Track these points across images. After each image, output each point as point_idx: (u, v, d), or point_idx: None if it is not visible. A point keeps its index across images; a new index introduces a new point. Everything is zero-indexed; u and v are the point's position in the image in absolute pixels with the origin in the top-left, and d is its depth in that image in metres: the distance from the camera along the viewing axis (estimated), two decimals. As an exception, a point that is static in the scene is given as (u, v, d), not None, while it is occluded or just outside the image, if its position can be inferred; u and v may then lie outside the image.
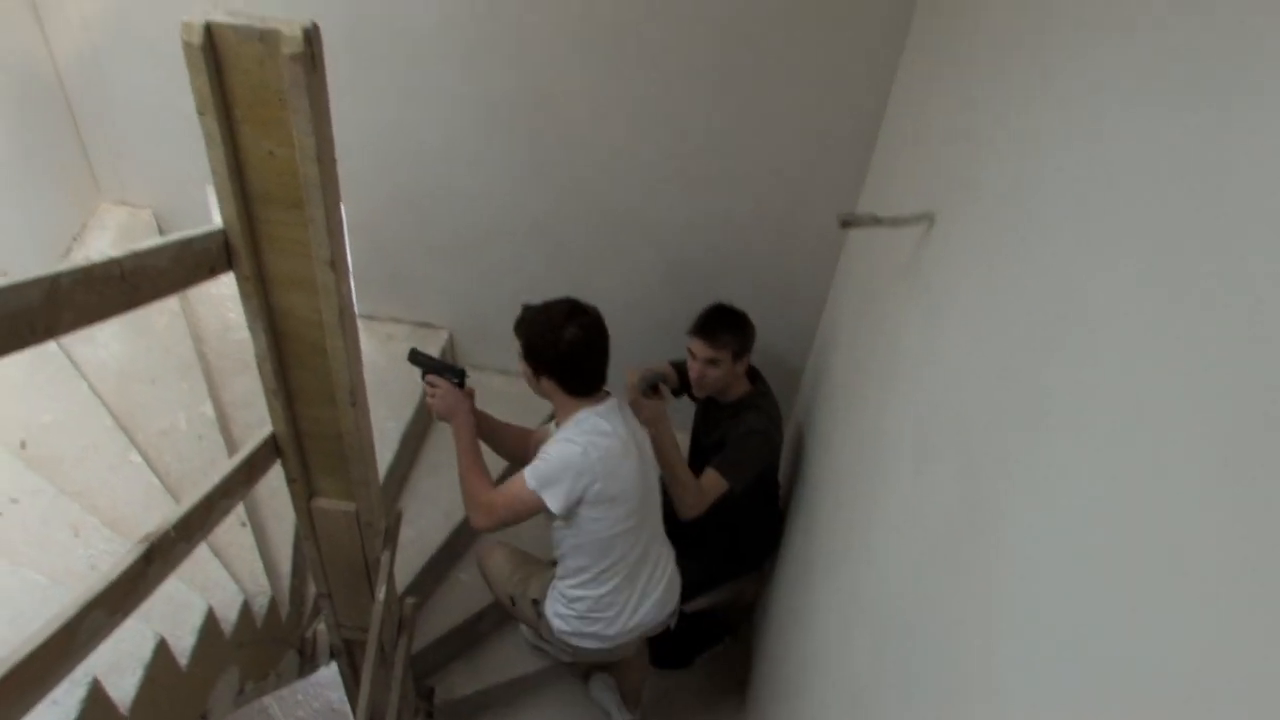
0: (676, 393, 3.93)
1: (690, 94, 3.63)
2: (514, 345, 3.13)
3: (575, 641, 3.48)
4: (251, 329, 2.08)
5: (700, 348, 3.63)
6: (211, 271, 1.92)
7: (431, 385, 3.27)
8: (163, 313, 4.15)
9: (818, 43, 3.41)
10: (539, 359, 3.14)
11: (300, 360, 2.14)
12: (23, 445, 3.38)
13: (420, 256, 4.43)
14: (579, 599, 3.38)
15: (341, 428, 2.25)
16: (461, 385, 3.29)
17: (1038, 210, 1.63)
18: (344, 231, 1.95)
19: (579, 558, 3.30)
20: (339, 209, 1.90)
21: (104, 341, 3.93)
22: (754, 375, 3.84)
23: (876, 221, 2.54)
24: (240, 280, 1.98)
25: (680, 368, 3.87)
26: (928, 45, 3.02)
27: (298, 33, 1.62)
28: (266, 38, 1.64)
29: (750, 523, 3.96)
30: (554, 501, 3.12)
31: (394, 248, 4.37)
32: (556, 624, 3.46)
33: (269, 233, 1.92)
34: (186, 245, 1.84)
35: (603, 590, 3.34)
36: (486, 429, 3.45)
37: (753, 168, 3.76)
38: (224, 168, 1.80)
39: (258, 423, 3.87)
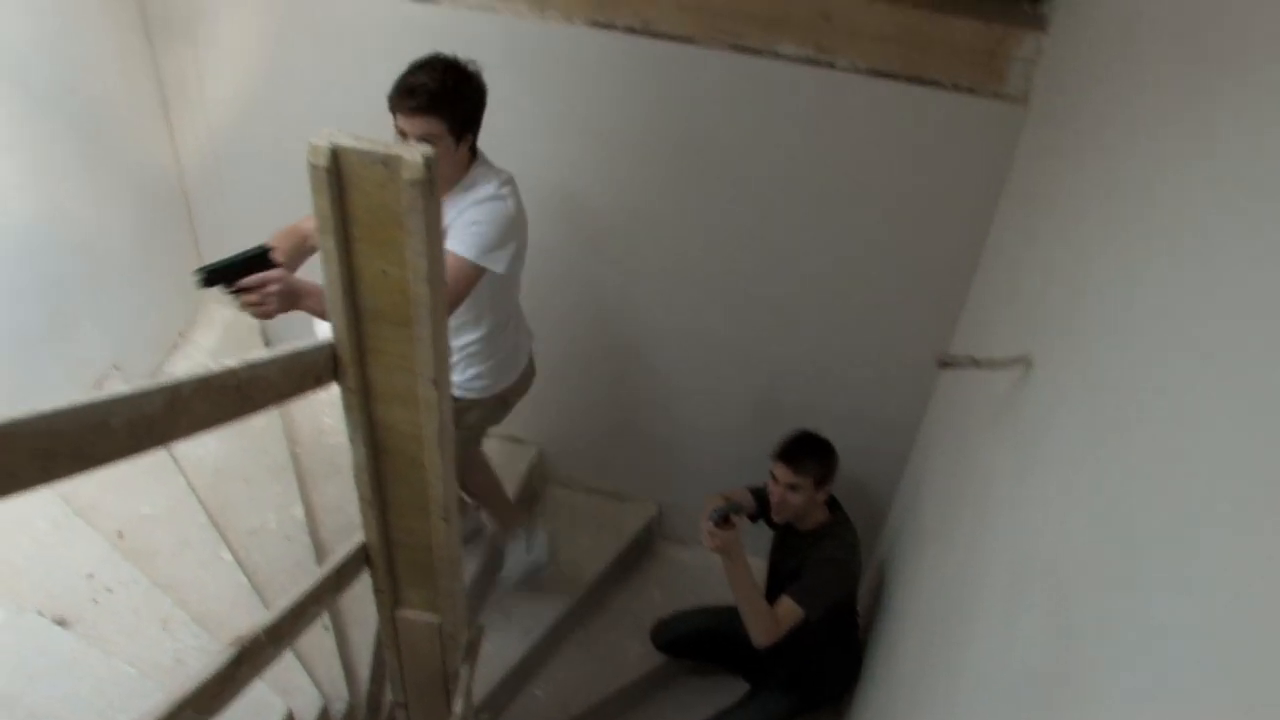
0: (754, 518, 3.92)
1: (788, 226, 3.67)
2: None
3: (490, 386, 3.49)
4: (352, 440, 2.12)
5: (783, 473, 3.62)
6: (318, 382, 1.98)
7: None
8: (260, 414, 4.24)
9: (917, 182, 3.45)
10: (475, 119, 3.00)
11: (397, 473, 2.18)
12: (120, 536, 3.46)
13: (549, 387, 4.49)
14: (495, 349, 3.43)
15: (432, 541, 2.28)
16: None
17: (1138, 356, 1.62)
18: (448, 350, 2.00)
19: (498, 312, 3.36)
20: (445, 328, 1.95)
21: (202, 439, 4.01)
22: (833, 504, 3.81)
23: (974, 363, 2.54)
24: (345, 393, 2.03)
25: (760, 493, 3.86)
26: (1027, 186, 3.04)
27: (418, 159, 1.68)
28: (389, 163, 1.70)
29: (830, 653, 3.90)
30: (500, 264, 3.04)
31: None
32: (479, 384, 3.44)
33: (376, 348, 1.97)
34: (297, 357, 1.90)
35: (513, 336, 3.52)
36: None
37: (847, 302, 3.78)
38: (338, 284, 1.86)
39: (345, 528, 3.93)
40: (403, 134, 2.92)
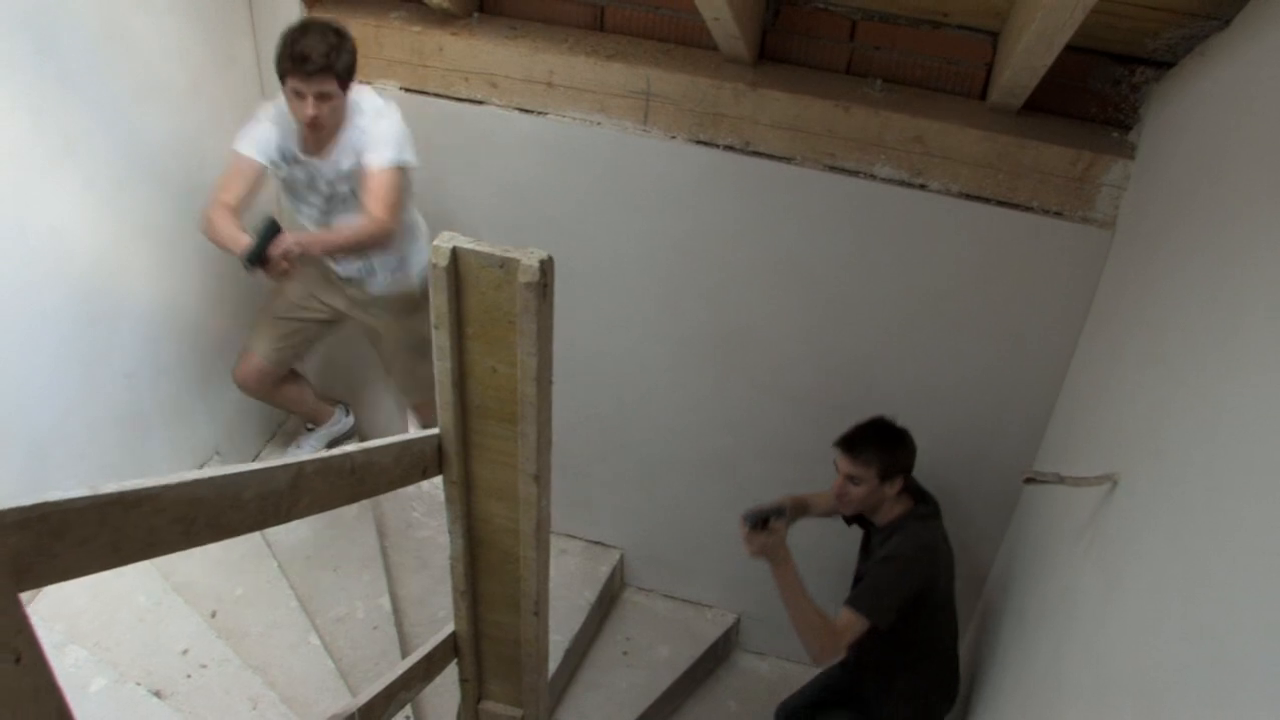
0: (848, 520, 3.70)
1: (876, 341, 3.72)
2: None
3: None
4: (450, 531, 2.20)
5: (843, 462, 3.39)
6: (424, 473, 2.06)
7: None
8: (352, 505, 4.34)
9: (1004, 301, 3.49)
10: (354, 69, 3.30)
11: (491, 566, 2.24)
12: (214, 615, 3.56)
13: (602, 478, 4.55)
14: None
15: (521, 635, 2.33)
16: None
17: (1226, 474, 1.64)
18: (550, 448, 2.07)
19: (413, 211, 3.65)
20: (549, 426, 2.03)
21: (295, 525, 4.12)
22: (920, 496, 3.53)
23: (1060, 480, 2.56)
24: (447, 485, 2.11)
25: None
26: (1113, 307, 3.07)
27: (535, 262, 1.77)
28: (506, 265, 1.79)
29: (930, 665, 3.61)
30: (412, 155, 3.41)
31: (578, 466, 4.51)
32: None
33: (480, 443, 2.05)
34: (407, 447, 1.99)
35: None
36: None
37: (933, 417, 3.80)
38: (449, 379, 1.95)
39: (430, 621, 3.99)
40: (299, 94, 3.22)
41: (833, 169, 3.42)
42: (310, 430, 4.45)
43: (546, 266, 1.79)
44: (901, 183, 3.39)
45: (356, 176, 3.40)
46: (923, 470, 3.75)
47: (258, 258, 3.15)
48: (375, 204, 3.34)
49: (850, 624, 3.24)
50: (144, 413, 3.74)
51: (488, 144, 3.75)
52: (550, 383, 1.98)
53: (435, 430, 2.06)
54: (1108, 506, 2.40)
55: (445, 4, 3.52)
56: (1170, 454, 2.03)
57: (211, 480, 1.39)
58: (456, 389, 1.97)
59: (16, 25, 2.91)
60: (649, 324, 3.96)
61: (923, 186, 3.37)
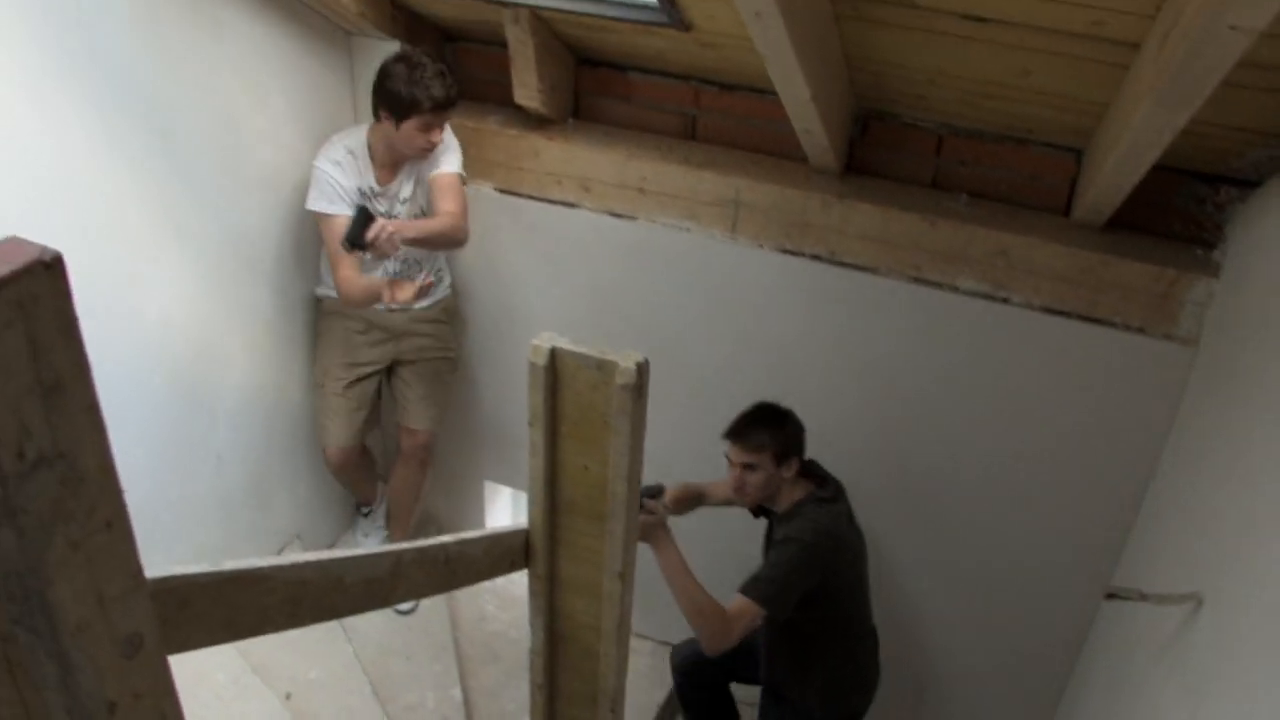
0: (755, 512, 3.52)
1: (955, 451, 3.71)
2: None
3: None
4: (531, 625, 2.23)
5: (734, 452, 3.27)
6: (511, 566, 2.10)
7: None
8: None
9: (1085, 414, 3.47)
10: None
11: (570, 662, 2.26)
12: (288, 697, 3.59)
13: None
14: None
15: (597, 731, 2.34)
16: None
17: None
18: (636, 545, 2.10)
19: None
20: (636, 525, 2.06)
21: (370, 614, 4.17)
22: (821, 479, 3.39)
23: (1142, 598, 2.53)
24: (532, 578, 2.14)
25: None
26: (1196, 423, 3.05)
27: (631, 365, 1.82)
28: (603, 367, 1.84)
29: (841, 655, 3.45)
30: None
31: (649, 564, 4.52)
32: None
33: (567, 539, 2.08)
34: (497, 539, 2.04)
35: None
36: None
37: (1013, 527, 3.77)
38: (540, 475, 2.00)
39: (500, 714, 4.01)
40: (428, 127, 3.44)
41: (917, 281, 3.46)
42: (365, 514, 4.53)
43: (643, 369, 1.84)
44: (985, 295, 3.42)
45: (425, 189, 3.65)
46: (999, 579, 3.72)
47: (355, 240, 3.37)
48: (451, 203, 3.57)
49: (742, 611, 3.08)
50: (231, 495, 3.82)
51: (578, 246, 3.85)
52: (640, 482, 2.01)
53: (523, 525, 2.11)
54: (1192, 626, 2.38)
55: (542, 109, 3.64)
56: (1257, 573, 2.02)
57: (318, 564, 1.44)
58: (547, 485, 2.01)
59: (141, 120, 3.07)
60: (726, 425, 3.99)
61: (1005, 300, 3.40)
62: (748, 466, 3.25)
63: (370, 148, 3.58)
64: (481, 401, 4.40)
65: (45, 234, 2.35)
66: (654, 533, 3.20)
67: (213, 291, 3.50)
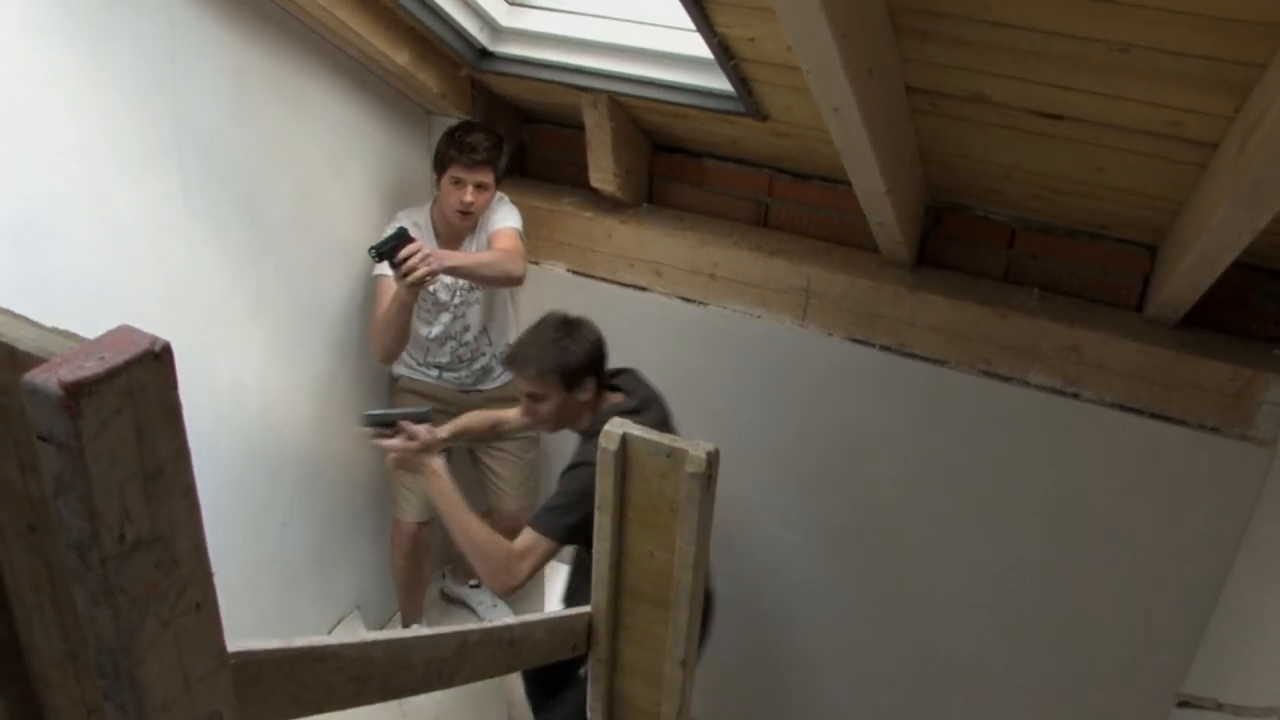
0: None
1: (1021, 546, 3.66)
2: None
3: None
4: (590, 709, 2.22)
5: (519, 381, 3.04)
6: (573, 649, 2.10)
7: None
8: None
9: (1156, 515, 3.41)
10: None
11: (629, 747, 2.25)
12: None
13: (732, 662, 4.51)
14: None
15: (653, 819, 2.31)
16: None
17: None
18: (698, 634, 2.09)
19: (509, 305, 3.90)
20: (699, 613, 2.05)
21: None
22: (631, 386, 3.14)
23: (1218, 708, 2.48)
24: (593, 662, 2.14)
25: None
26: (1273, 527, 3.00)
27: (701, 454, 1.83)
28: (674, 455, 1.85)
29: None
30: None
31: (712, 651, 4.47)
32: None
33: (630, 624, 2.08)
34: (560, 622, 2.04)
35: None
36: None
37: (1079, 627, 3.70)
38: (606, 559, 2.00)
39: (553, 797, 3.96)
40: (458, 182, 3.49)
41: (986, 374, 3.44)
42: (474, 586, 4.55)
43: (713, 459, 1.85)
44: (1055, 391, 3.39)
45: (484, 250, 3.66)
46: (1065, 683, 3.64)
47: (386, 252, 3.21)
48: (504, 245, 3.56)
49: (530, 547, 2.84)
50: (294, 561, 3.86)
51: (648, 329, 3.87)
52: (705, 569, 2.01)
53: (586, 609, 2.11)
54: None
55: (616, 193, 3.69)
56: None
57: (386, 643, 1.45)
58: (613, 570, 2.02)
59: (226, 189, 3.16)
60: (793, 515, 3.97)
61: (1076, 395, 3.37)
62: (534, 396, 2.99)
63: (433, 222, 3.66)
64: (549, 480, 4.40)
65: (135, 299, 2.44)
66: (420, 461, 2.94)
67: (286, 359, 3.57)
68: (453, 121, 3.80)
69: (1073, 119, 2.59)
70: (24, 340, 0.84)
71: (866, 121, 2.51)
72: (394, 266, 3.24)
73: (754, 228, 3.74)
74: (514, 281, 3.60)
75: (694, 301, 3.75)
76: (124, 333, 0.80)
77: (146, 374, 0.79)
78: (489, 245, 3.61)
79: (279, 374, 3.54)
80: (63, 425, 0.75)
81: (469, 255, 3.55)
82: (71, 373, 0.75)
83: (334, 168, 3.56)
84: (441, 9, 3.29)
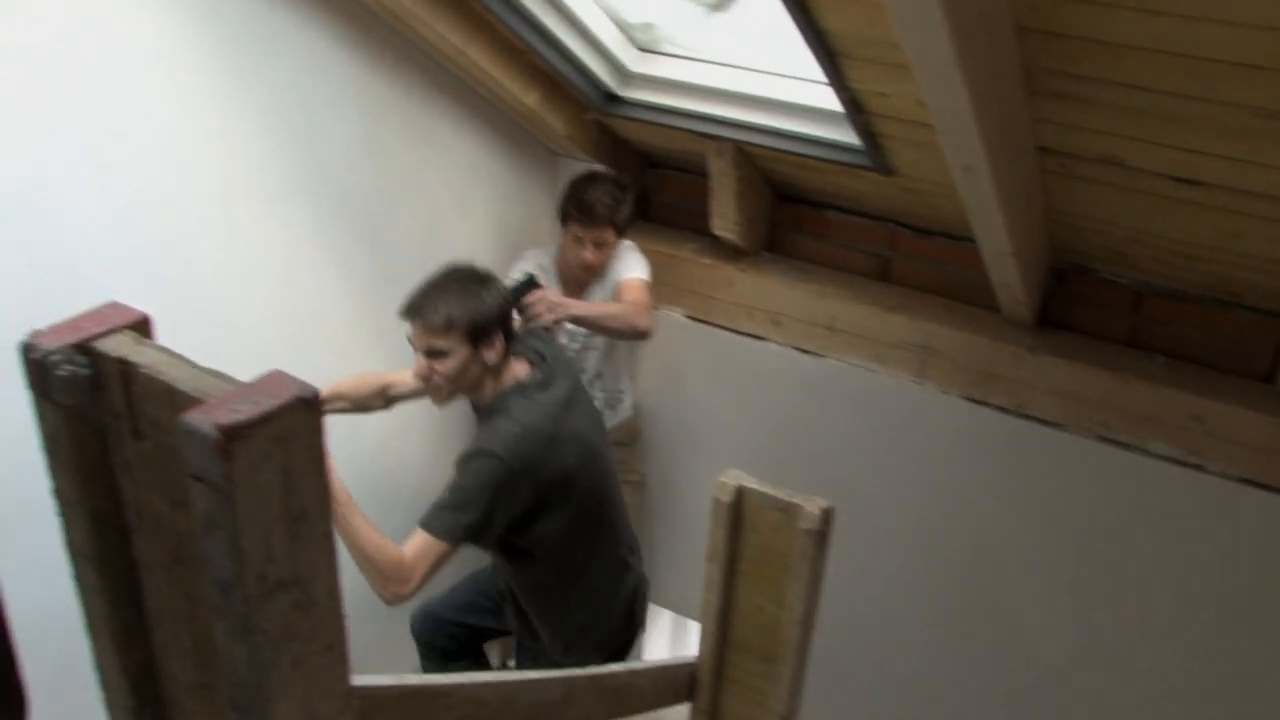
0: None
1: (1141, 624, 3.55)
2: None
3: None
4: (691, 759, 2.21)
5: (417, 334, 2.65)
6: (676, 698, 2.10)
7: None
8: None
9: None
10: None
11: (727, 801, 2.23)
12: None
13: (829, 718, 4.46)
14: None
15: None
16: None
17: None
18: (802, 691, 2.08)
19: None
20: (805, 670, 2.04)
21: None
22: (540, 357, 2.82)
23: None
24: (695, 713, 2.13)
25: None
26: None
27: (817, 511, 1.82)
28: (788, 510, 1.85)
29: (588, 590, 2.92)
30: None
31: (807, 704, 4.43)
32: None
33: (734, 677, 2.07)
34: (664, 671, 2.04)
35: None
36: None
37: (1197, 711, 3.59)
38: (713, 611, 1.99)
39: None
40: (579, 240, 3.50)
41: (1105, 440, 3.37)
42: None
43: (828, 516, 1.84)
44: (1177, 461, 3.31)
45: (609, 299, 3.64)
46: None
47: (513, 297, 3.06)
48: (635, 298, 3.53)
49: (421, 552, 2.49)
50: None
51: (764, 379, 3.87)
52: (814, 626, 2.00)
53: (689, 657, 2.11)
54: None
55: (738, 241, 3.70)
56: None
57: (496, 684, 1.47)
58: (720, 621, 2.01)
59: (355, 223, 3.24)
60: (901, 575, 3.92)
61: (1199, 467, 3.28)
62: (435, 352, 2.61)
63: (559, 266, 3.68)
64: (653, 524, 4.41)
65: (264, 328, 2.50)
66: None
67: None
68: (578, 165, 3.85)
69: (1210, 185, 2.54)
70: (181, 380, 0.87)
71: (996, 181, 2.49)
72: (520, 310, 3.17)
73: (874, 281, 3.71)
74: (639, 336, 3.58)
75: (811, 353, 3.74)
76: (276, 378, 0.83)
77: (297, 420, 0.81)
78: (615, 294, 3.61)
79: (397, 408, 3.60)
80: (215, 467, 0.78)
81: (596, 306, 3.53)
82: (226, 416, 0.78)
83: (459, 205, 3.62)
84: (572, 53, 3.33)
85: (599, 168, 3.74)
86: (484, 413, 2.73)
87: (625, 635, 3.11)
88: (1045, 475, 3.53)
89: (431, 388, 2.69)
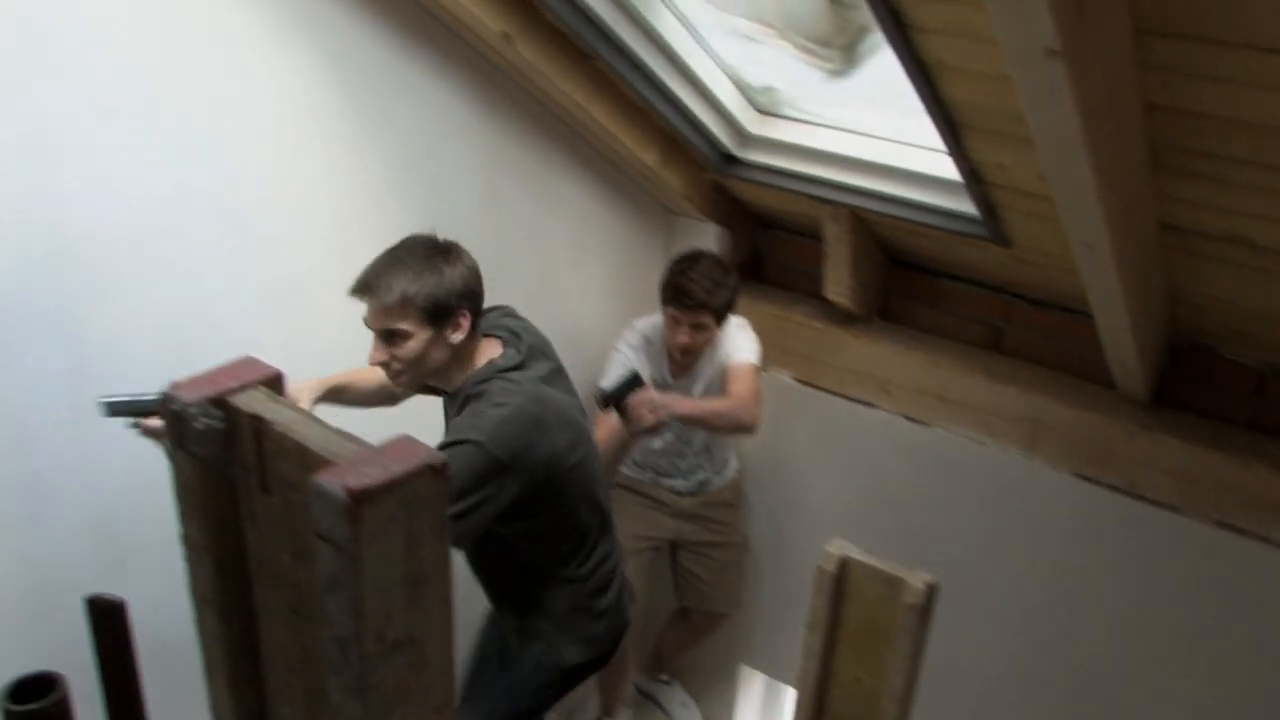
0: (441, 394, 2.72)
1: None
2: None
3: None
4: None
5: (369, 314, 2.39)
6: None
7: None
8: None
9: None
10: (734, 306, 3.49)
11: None
12: None
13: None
14: None
15: None
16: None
17: None
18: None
19: None
20: (900, 747, 2.01)
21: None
22: (513, 335, 2.59)
23: None
24: (788, 782, 2.12)
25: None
26: None
27: (921, 586, 1.80)
28: (892, 583, 1.83)
29: (564, 590, 2.71)
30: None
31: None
32: None
33: (828, 747, 2.05)
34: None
35: None
36: None
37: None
38: (811, 680, 1.98)
39: None
40: (676, 321, 3.46)
41: (1223, 526, 3.27)
42: (666, 683, 4.55)
43: (933, 591, 1.82)
44: (1299, 551, 3.21)
45: (717, 379, 3.58)
46: None
47: (615, 399, 3.07)
48: (742, 389, 3.44)
49: None
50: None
51: (870, 445, 3.84)
52: (912, 702, 1.98)
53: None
54: None
55: (850, 306, 3.68)
56: None
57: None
58: (817, 691, 2.00)
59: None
60: (1004, 653, 3.84)
61: (1324, 560, 3.18)
62: (391, 334, 2.36)
63: (665, 337, 3.61)
64: (751, 586, 4.39)
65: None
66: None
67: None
68: (693, 224, 3.88)
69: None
70: (312, 439, 0.90)
71: (1117, 258, 2.46)
72: (620, 413, 3.11)
73: (986, 351, 3.66)
74: (745, 432, 3.53)
75: (919, 422, 3.70)
76: (405, 443, 0.85)
77: (423, 486, 0.83)
78: (723, 375, 3.55)
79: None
80: (342, 528, 0.80)
81: (700, 405, 3.43)
82: (356, 479, 0.80)
83: (573, 258, 3.67)
84: (692, 113, 3.37)
85: (701, 248, 3.67)
86: (456, 399, 2.48)
87: (619, 621, 2.90)
88: (1158, 558, 3.44)
89: (390, 374, 2.43)
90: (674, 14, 3.15)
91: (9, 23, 2.18)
